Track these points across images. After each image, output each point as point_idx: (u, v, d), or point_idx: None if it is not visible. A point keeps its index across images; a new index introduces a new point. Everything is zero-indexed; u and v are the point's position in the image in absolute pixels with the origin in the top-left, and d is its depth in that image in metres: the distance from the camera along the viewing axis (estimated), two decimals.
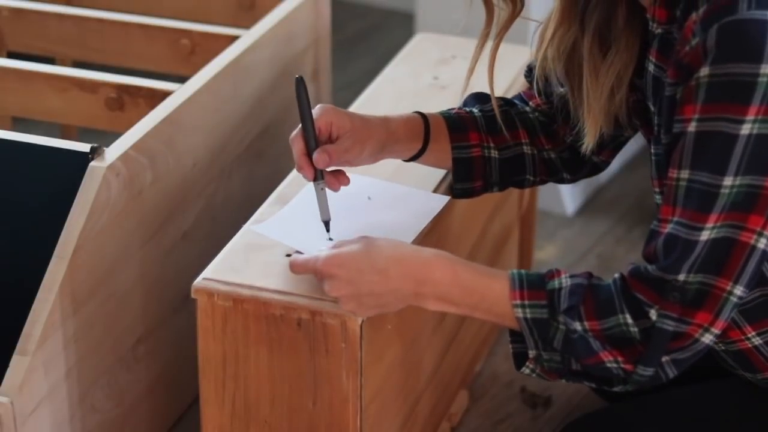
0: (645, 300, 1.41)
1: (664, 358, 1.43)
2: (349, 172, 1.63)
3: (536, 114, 1.75)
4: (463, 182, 1.74)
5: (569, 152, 1.74)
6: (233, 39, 2.13)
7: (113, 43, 2.24)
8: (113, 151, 1.72)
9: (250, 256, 1.62)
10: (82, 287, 1.68)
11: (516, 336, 1.51)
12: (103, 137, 1.96)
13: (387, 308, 1.52)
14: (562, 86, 1.66)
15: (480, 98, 1.77)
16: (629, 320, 1.42)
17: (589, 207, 2.75)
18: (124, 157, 1.72)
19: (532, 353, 1.49)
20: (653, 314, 1.40)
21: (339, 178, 1.61)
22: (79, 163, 1.69)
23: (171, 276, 1.91)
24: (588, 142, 1.59)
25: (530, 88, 1.75)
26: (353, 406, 1.57)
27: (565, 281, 1.46)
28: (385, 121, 1.66)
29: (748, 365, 1.59)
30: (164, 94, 1.94)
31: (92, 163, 1.68)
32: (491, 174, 1.73)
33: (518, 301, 1.47)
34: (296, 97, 1.58)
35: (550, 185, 2.71)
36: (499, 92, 1.72)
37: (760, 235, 1.38)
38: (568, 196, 2.72)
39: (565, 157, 1.75)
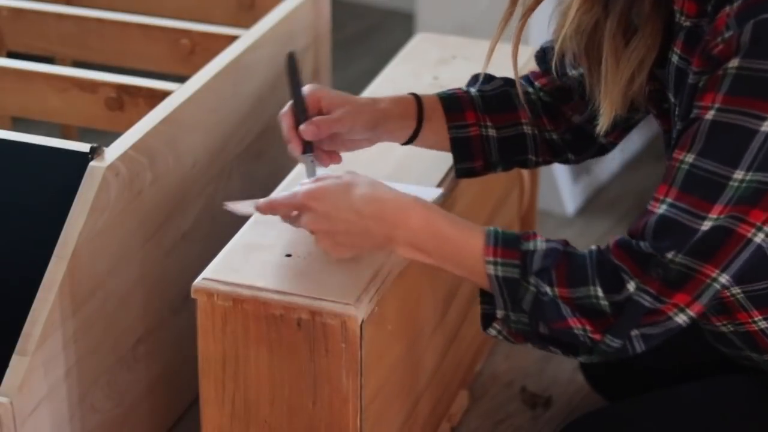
0: (627, 270, 1.40)
1: (634, 332, 1.42)
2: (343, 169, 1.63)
3: (540, 94, 1.74)
4: (463, 162, 1.73)
5: (573, 133, 1.73)
6: (233, 39, 2.13)
7: (113, 43, 2.24)
8: (113, 151, 1.72)
9: (250, 256, 1.62)
10: (82, 287, 1.68)
11: (486, 297, 1.50)
12: (103, 137, 1.96)
13: (360, 250, 1.52)
14: (574, 67, 1.65)
15: (480, 79, 1.76)
16: (600, 293, 1.41)
17: (589, 207, 2.75)
18: (124, 157, 1.72)
19: (500, 313, 1.48)
20: (632, 286, 1.40)
21: (331, 157, 1.61)
22: (79, 163, 1.69)
23: (171, 276, 1.91)
24: (603, 124, 1.56)
25: (540, 68, 1.75)
26: (353, 406, 1.57)
27: (540, 244, 1.45)
28: (373, 100, 1.67)
29: (755, 346, 1.59)
30: (164, 94, 1.94)
31: (92, 163, 1.68)
32: (491, 153, 1.73)
33: (491, 258, 1.46)
34: (287, 73, 1.59)
35: (550, 185, 2.71)
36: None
37: (759, 229, 1.38)
38: (568, 196, 2.72)
39: (567, 138, 1.74)
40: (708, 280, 1.40)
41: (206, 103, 1.94)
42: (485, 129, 1.72)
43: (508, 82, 1.76)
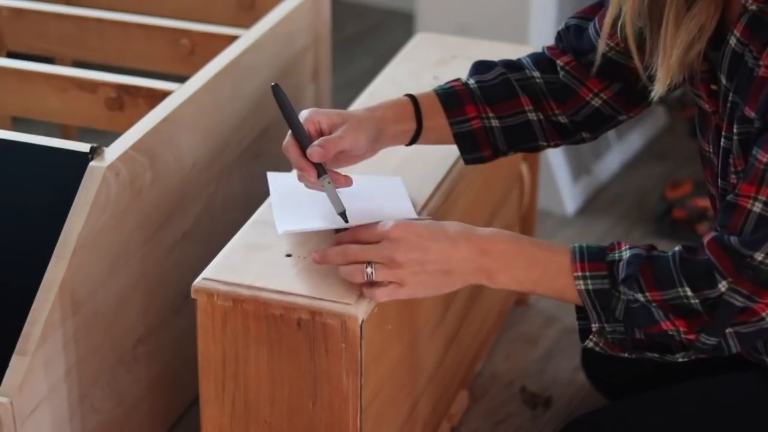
0: (721, 269, 1.41)
1: (728, 330, 1.44)
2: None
3: (562, 73, 1.71)
4: (471, 153, 1.73)
5: (583, 115, 1.72)
6: (233, 39, 2.13)
7: (113, 42, 2.24)
8: (113, 151, 1.72)
9: (250, 256, 1.62)
10: (82, 287, 1.68)
11: (582, 313, 1.52)
12: (103, 137, 1.96)
13: (450, 279, 1.51)
14: (609, 37, 1.63)
15: (479, 67, 1.75)
16: (689, 293, 1.43)
17: (589, 207, 2.75)
18: (124, 157, 1.72)
19: (595, 326, 1.49)
20: (724, 286, 1.41)
21: (345, 178, 1.60)
22: (79, 163, 1.69)
23: (171, 276, 1.91)
24: (658, 90, 1.54)
25: (557, 46, 1.73)
26: (353, 406, 1.57)
27: (625, 253, 1.47)
28: (370, 110, 1.66)
29: None
30: (164, 94, 1.94)
31: (92, 163, 1.68)
32: (497, 143, 1.72)
33: (579, 273, 1.48)
34: (278, 105, 1.60)
35: (550, 185, 2.71)
36: None
37: None
38: (568, 196, 2.72)
39: (578, 120, 1.72)
40: None
41: (206, 103, 1.94)
42: (487, 120, 1.71)
43: (508, 66, 1.74)
